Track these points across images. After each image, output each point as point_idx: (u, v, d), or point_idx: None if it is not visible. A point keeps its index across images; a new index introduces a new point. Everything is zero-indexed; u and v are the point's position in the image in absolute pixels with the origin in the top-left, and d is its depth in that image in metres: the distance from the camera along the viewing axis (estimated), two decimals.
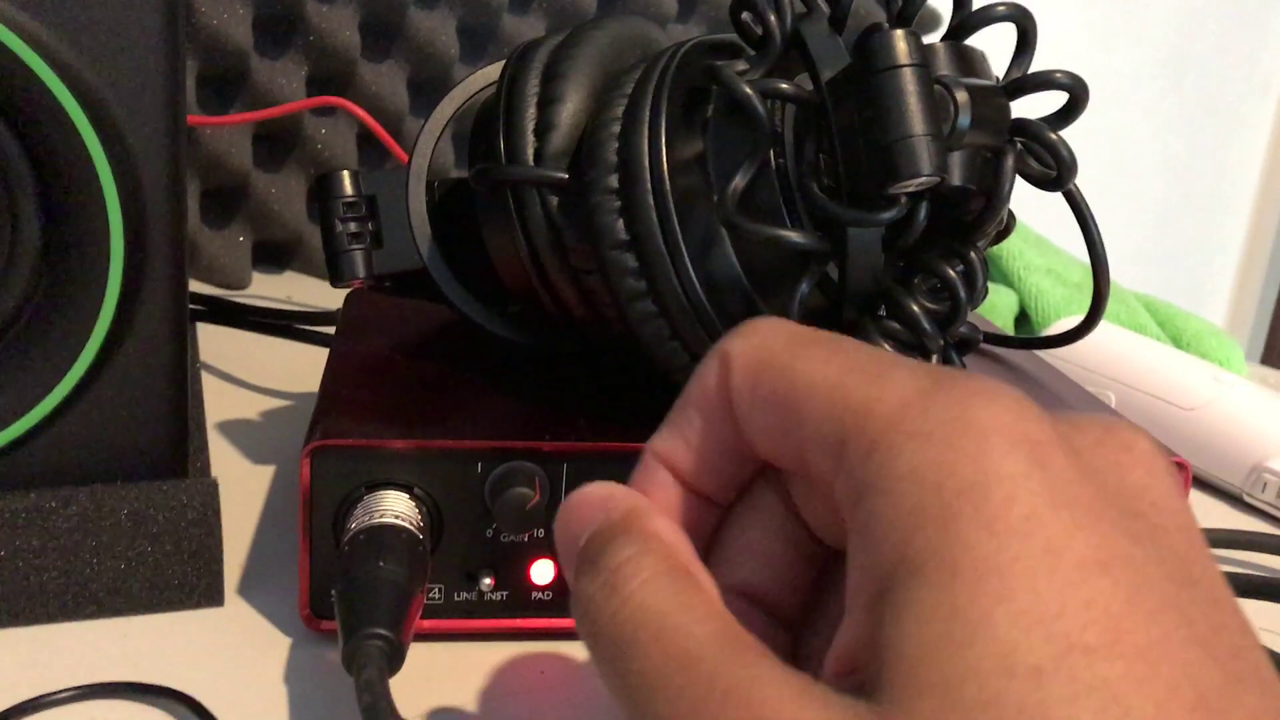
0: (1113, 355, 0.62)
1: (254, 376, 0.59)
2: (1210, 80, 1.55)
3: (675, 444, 0.26)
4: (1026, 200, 0.36)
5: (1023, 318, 0.74)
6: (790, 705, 0.20)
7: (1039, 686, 0.18)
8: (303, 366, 0.60)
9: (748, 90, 0.32)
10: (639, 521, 0.24)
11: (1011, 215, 0.39)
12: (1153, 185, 1.55)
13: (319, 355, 0.57)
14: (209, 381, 0.58)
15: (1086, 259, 0.70)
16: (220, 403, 0.55)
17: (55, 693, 0.33)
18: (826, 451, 0.23)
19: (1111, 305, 0.71)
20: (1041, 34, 0.35)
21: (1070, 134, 0.34)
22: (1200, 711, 0.18)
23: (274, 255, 0.80)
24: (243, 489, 0.46)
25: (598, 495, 0.25)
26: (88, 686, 0.33)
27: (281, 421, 0.54)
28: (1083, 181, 0.36)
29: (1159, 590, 0.20)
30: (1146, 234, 1.58)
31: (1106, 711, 0.18)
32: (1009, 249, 0.73)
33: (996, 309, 0.72)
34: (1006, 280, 0.73)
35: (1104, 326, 0.64)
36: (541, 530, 0.37)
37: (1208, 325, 0.68)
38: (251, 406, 0.55)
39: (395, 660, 0.30)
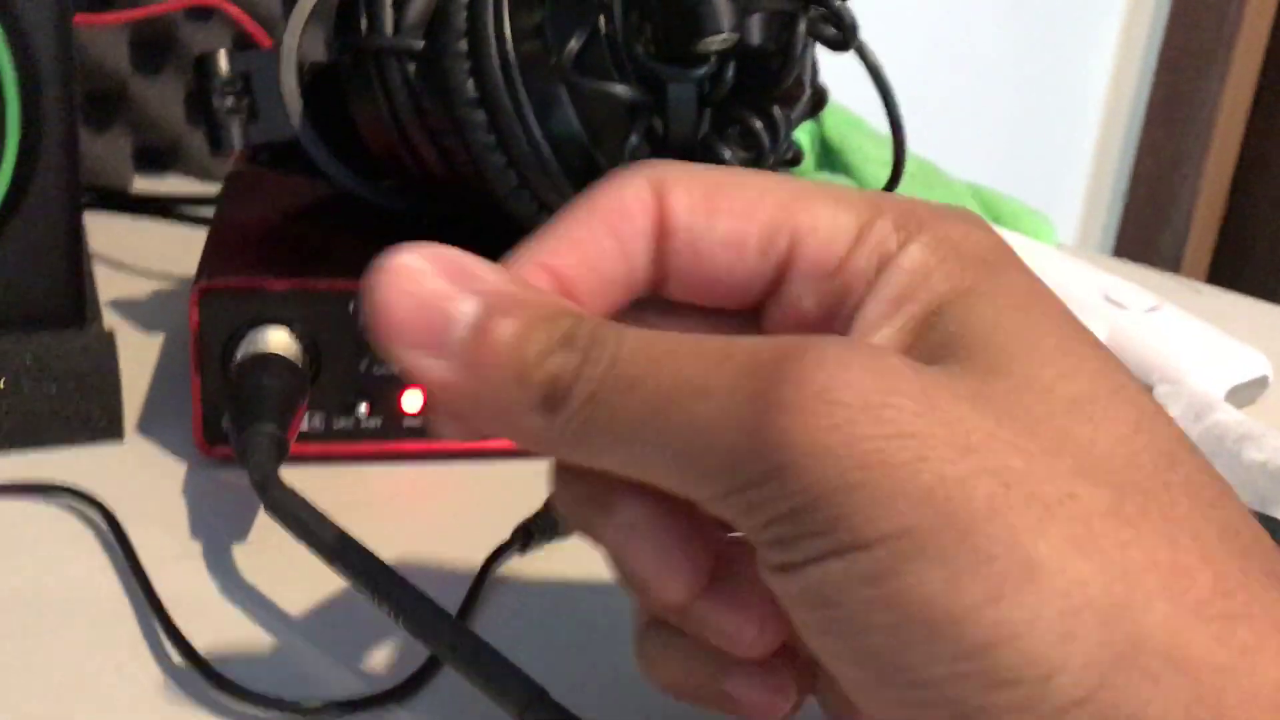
0: None
1: (141, 260, 0.62)
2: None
3: (568, 257, 0.24)
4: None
5: None
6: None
7: None
8: (188, 249, 0.63)
9: None
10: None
11: (824, 89, 0.44)
12: (1003, 101, 1.64)
13: (203, 238, 0.60)
14: (98, 268, 0.61)
15: (927, 155, 0.77)
16: (109, 285, 0.58)
17: None
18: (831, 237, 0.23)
19: (940, 193, 0.77)
20: None
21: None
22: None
23: (155, 158, 0.82)
24: (135, 358, 0.50)
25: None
26: None
27: (170, 298, 0.57)
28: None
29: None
30: (998, 148, 1.66)
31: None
32: (850, 143, 0.79)
33: None
34: (848, 172, 0.79)
35: None
36: None
37: (1023, 206, 0.76)
38: (140, 287, 0.59)
39: (281, 452, 0.35)
